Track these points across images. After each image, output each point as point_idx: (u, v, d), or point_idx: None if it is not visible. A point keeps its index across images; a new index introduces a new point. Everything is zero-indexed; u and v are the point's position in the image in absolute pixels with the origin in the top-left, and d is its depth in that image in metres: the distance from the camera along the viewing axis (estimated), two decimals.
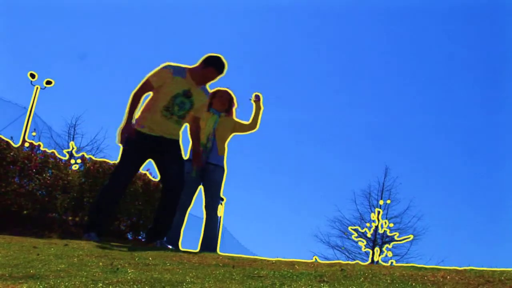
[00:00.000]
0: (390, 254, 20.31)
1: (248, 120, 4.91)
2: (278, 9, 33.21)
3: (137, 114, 4.16)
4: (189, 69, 4.19)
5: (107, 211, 4.23)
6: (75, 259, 2.59)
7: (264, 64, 36.69)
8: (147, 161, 4.24)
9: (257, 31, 36.09)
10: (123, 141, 4.08)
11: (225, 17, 35.50)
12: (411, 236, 20.81)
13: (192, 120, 4.38)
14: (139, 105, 4.12)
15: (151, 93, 4.15)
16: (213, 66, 4.19)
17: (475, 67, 33.52)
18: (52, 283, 1.84)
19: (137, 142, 4.10)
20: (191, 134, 4.46)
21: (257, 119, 4.89)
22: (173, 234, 4.57)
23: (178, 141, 4.27)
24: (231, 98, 4.95)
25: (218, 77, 4.25)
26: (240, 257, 3.19)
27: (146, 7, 32.09)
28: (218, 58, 4.21)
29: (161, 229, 4.26)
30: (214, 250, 4.76)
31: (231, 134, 4.88)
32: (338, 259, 19.68)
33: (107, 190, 4.15)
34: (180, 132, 4.30)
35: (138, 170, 4.41)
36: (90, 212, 4.42)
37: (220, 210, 18.27)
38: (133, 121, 4.13)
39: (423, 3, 33.00)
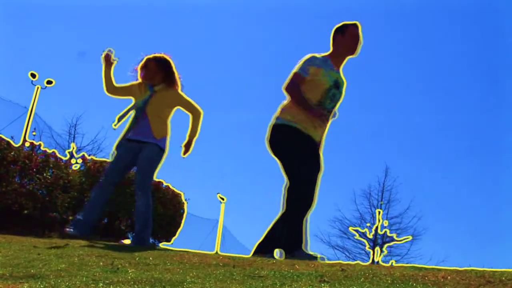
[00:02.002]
0: (385, 252, 20.35)
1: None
2: (276, 8, 33.22)
3: (281, 110, 3.73)
4: (329, 55, 3.79)
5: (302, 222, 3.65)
6: (76, 259, 2.60)
7: (266, 63, 36.73)
8: None
9: (258, 30, 36.14)
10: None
11: (224, 17, 35.51)
12: (410, 237, 20.85)
13: None
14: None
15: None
16: (351, 26, 3.77)
17: (476, 66, 33.54)
18: (53, 282, 1.84)
19: (298, 139, 3.62)
20: None
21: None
22: (87, 208, 4.36)
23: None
24: (166, 67, 4.42)
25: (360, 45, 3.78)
26: (241, 256, 3.19)
27: (146, 6, 32.12)
28: (345, 24, 3.79)
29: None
30: (147, 242, 4.31)
31: (172, 109, 4.44)
32: (338, 259, 19.70)
33: (304, 201, 3.58)
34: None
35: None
36: (292, 229, 3.58)
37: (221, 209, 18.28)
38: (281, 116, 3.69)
39: (425, 3, 33.02)
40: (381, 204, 21.47)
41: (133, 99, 4.45)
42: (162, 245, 7.42)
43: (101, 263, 2.44)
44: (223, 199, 18.34)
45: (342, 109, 3.87)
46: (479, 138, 32.72)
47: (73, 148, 11.97)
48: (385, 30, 35.51)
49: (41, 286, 1.78)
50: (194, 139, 4.51)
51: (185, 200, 7.87)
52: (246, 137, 35.70)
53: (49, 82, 13.82)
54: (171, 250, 3.86)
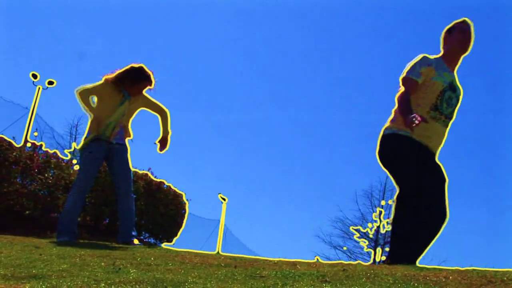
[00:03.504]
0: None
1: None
2: (273, 8, 33.22)
3: (390, 119, 3.40)
4: (442, 56, 3.47)
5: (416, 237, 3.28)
6: (77, 259, 2.60)
7: (268, 63, 36.74)
8: None
9: (258, 30, 36.15)
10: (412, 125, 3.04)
11: (222, 17, 35.52)
12: None
13: None
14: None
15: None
16: (459, 23, 3.46)
17: (476, 66, 33.50)
18: (55, 283, 1.85)
19: (407, 147, 3.28)
20: None
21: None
22: (68, 219, 4.27)
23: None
24: None
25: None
26: (242, 257, 3.19)
27: (147, 6, 32.15)
28: (454, 22, 3.49)
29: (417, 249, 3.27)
30: (131, 240, 4.40)
31: (137, 110, 4.57)
32: (339, 259, 19.70)
33: (408, 211, 3.24)
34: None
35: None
36: (399, 242, 3.26)
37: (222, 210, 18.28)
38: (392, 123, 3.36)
39: (423, 3, 33.01)
40: (382, 205, 21.45)
41: (96, 97, 4.40)
42: (164, 245, 7.43)
43: (102, 264, 2.44)
44: (224, 199, 18.33)
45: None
46: (480, 138, 32.72)
47: (75, 148, 11.97)
48: (383, 28, 35.53)
49: (43, 286, 1.78)
50: (168, 136, 4.64)
51: (187, 200, 7.88)
52: (247, 138, 35.72)
53: (50, 83, 13.81)
54: (173, 250, 3.86)
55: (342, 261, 3.56)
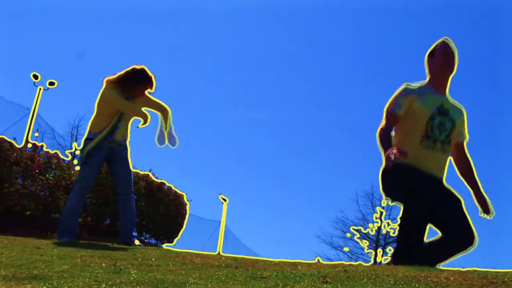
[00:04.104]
0: (389, 253, 20.26)
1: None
2: (264, 10, 33.23)
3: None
4: (428, 81, 3.41)
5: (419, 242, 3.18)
6: (78, 260, 2.60)
7: (269, 61, 36.78)
8: None
9: (262, 29, 36.17)
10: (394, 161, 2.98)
11: (220, 17, 35.54)
12: None
13: (455, 149, 3.45)
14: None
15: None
16: (439, 44, 3.40)
17: (475, 66, 33.50)
18: (55, 283, 1.85)
19: (405, 175, 3.17)
20: (461, 171, 3.52)
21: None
22: (68, 219, 4.30)
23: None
24: None
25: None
26: (243, 257, 3.19)
27: (147, 6, 32.18)
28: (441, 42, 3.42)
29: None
30: (132, 241, 4.41)
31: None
32: (340, 260, 19.68)
33: (412, 229, 3.10)
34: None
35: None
36: (400, 245, 3.19)
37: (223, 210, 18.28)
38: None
39: (421, 2, 33.00)
40: (383, 205, 21.43)
41: (103, 101, 4.41)
42: (165, 246, 7.43)
43: (103, 264, 2.44)
44: (225, 200, 18.32)
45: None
46: (480, 137, 32.69)
47: (75, 149, 12.00)
48: (380, 29, 35.52)
49: (44, 287, 1.79)
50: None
51: (188, 201, 7.88)
52: (248, 137, 35.73)
53: (51, 83, 13.81)
54: (174, 251, 3.86)
55: (343, 262, 3.56)
